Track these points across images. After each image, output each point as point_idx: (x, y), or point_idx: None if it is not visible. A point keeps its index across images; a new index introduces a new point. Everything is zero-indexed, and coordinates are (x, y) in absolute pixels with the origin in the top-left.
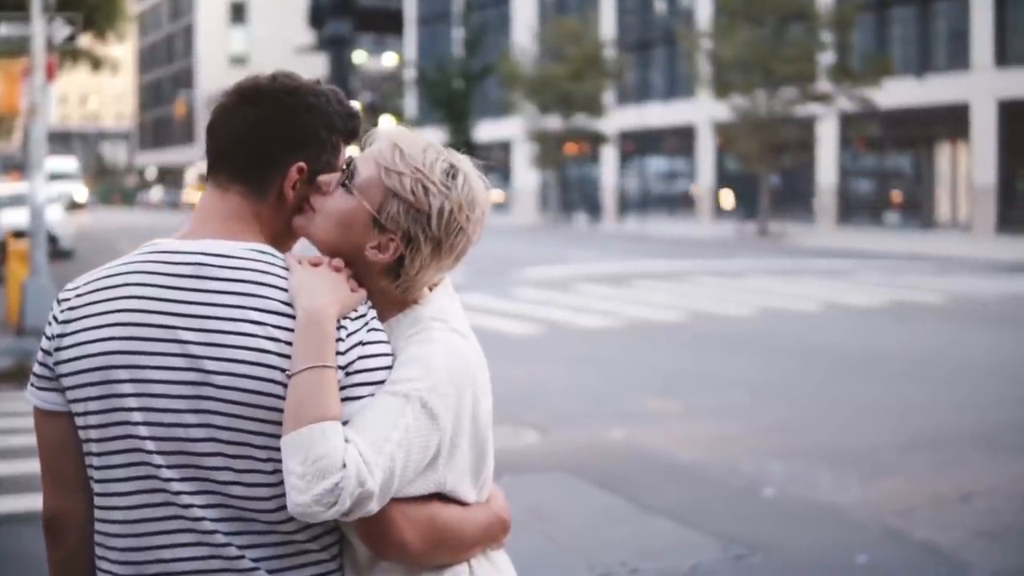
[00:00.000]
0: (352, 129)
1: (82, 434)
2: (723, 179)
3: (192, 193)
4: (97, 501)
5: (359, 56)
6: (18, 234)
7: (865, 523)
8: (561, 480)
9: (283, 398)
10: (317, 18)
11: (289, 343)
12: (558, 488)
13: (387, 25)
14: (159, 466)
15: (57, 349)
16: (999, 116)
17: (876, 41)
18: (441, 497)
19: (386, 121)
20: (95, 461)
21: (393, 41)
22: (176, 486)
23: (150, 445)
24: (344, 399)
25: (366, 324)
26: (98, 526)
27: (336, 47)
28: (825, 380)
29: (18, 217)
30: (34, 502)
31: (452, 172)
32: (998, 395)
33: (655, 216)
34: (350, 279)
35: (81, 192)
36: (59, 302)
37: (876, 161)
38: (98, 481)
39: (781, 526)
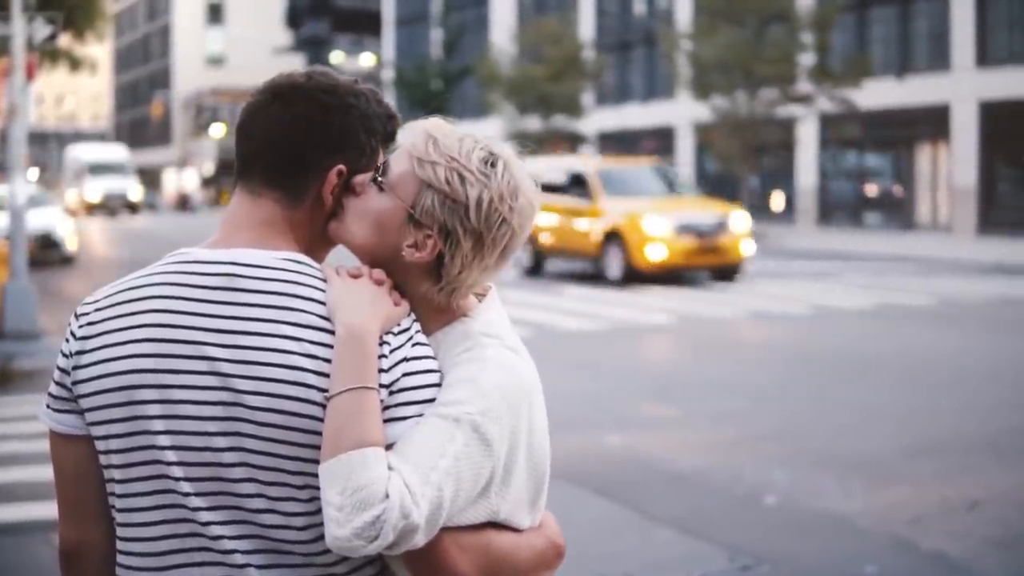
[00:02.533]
0: (391, 132)
1: (103, 459)
2: (702, 180)
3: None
4: (119, 532)
5: (336, 57)
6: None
7: (872, 532)
8: (561, 488)
9: (321, 420)
10: (294, 19)
11: (327, 361)
12: (558, 497)
13: (365, 25)
14: (187, 494)
15: (76, 368)
16: (980, 117)
17: (856, 42)
18: (494, 524)
19: None
20: (117, 488)
21: (371, 42)
22: (204, 515)
23: (177, 471)
24: (387, 420)
25: (410, 339)
26: (119, 558)
27: (313, 48)
28: (821, 384)
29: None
30: (22, 512)
31: (491, 160)
32: (999, 400)
33: None
34: (392, 291)
35: (135, 189)
36: (77, 316)
37: (856, 162)
38: (120, 510)
39: (786, 535)
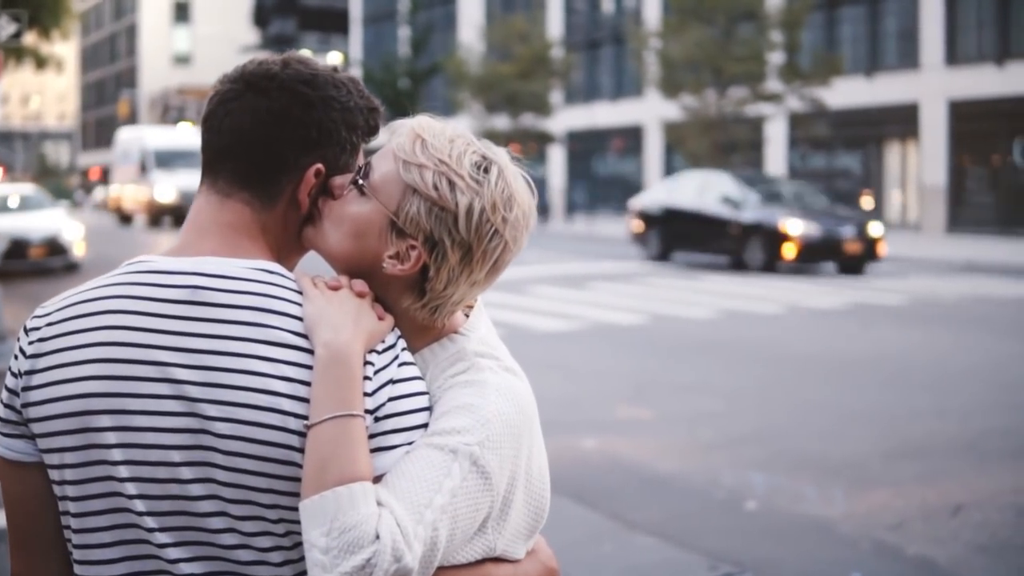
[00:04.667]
0: (373, 126)
1: (57, 490)
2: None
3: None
4: (76, 568)
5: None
6: (20, 242)
7: (855, 538)
8: None
9: (297, 450)
10: (261, 17)
11: (305, 384)
12: None
13: (332, 24)
14: (151, 529)
15: (25, 389)
16: (949, 115)
17: (825, 40)
18: (491, 559)
19: None
20: (73, 522)
21: (338, 40)
22: (172, 552)
23: (140, 505)
24: (374, 450)
25: (396, 358)
26: None
27: (280, 46)
28: (798, 386)
29: (19, 222)
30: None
31: (484, 165)
32: (978, 401)
33: (603, 216)
34: (375, 304)
35: None
36: (27, 332)
37: (826, 161)
38: (77, 546)
39: (768, 542)
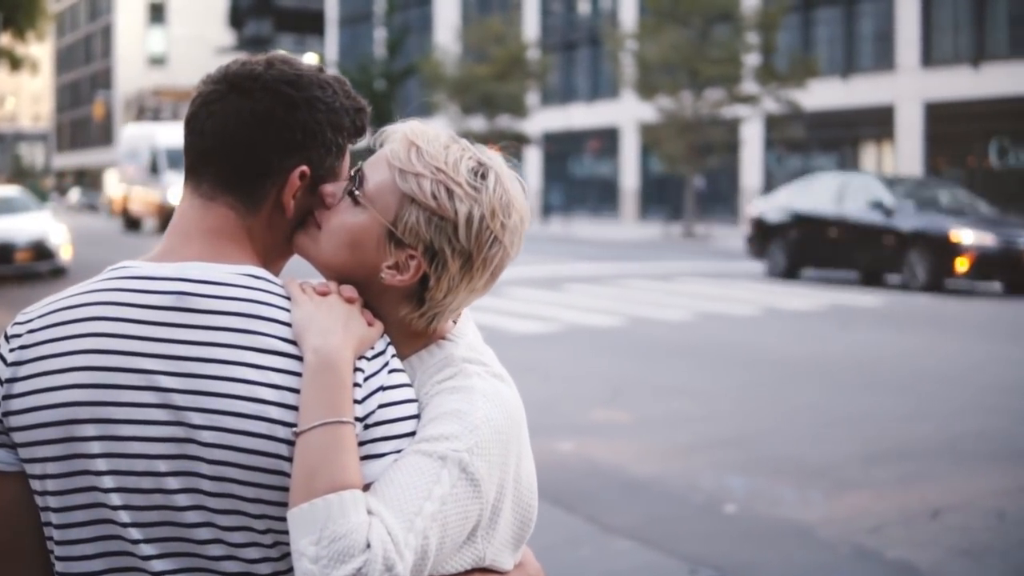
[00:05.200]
0: (359, 127)
1: (39, 500)
2: (647, 180)
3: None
4: None
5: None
6: (5, 246)
7: (834, 542)
8: None
9: (286, 459)
10: (237, 18)
11: (294, 391)
12: None
13: (307, 25)
14: (135, 541)
15: (7, 397)
16: (924, 117)
17: (801, 42)
18: (479, 568)
19: None
20: (55, 533)
21: (314, 41)
22: (156, 564)
23: (124, 516)
24: (363, 458)
25: (386, 364)
26: None
27: (256, 47)
28: (775, 388)
29: (3, 225)
30: None
31: (481, 171)
32: (955, 403)
33: (578, 217)
34: (364, 310)
35: None
36: (8, 339)
37: (801, 162)
38: (60, 558)
39: (747, 546)
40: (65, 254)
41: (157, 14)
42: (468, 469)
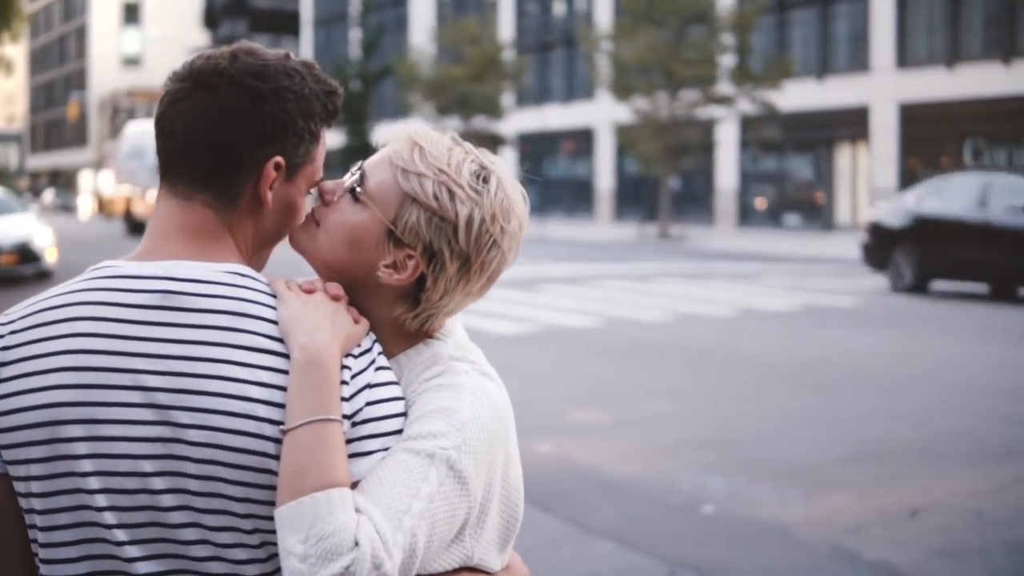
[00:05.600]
0: (332, 109)
1: (23, 502)
2: (622, 181)
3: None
4: None
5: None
6: None
7: (813, 542)
8: None
9: (273, 457)
10: (211, 19)
11: (281, 389)
12: None
13: (282, 26)
14: (120, 543)
15: None
16: (899, 118)
17: (777, 43)
18: (468, 568)
19: None
20: (40, 536)
21: (289, 42)
22: (142, 567)
23: (110, 517)
24: (351, 455)
25: (373, 362)
26: None
27: None
28: (752, 389)
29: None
30: None
31: (483, 175)
32: (932, 403)
33: (554, 218)
34: (350, 308)
35: None
36: None
37: (776, 163)
38: (44, 560)
39: (726, 546)
40: (50, 257)
41: (131, 15)
42: (456, 467)
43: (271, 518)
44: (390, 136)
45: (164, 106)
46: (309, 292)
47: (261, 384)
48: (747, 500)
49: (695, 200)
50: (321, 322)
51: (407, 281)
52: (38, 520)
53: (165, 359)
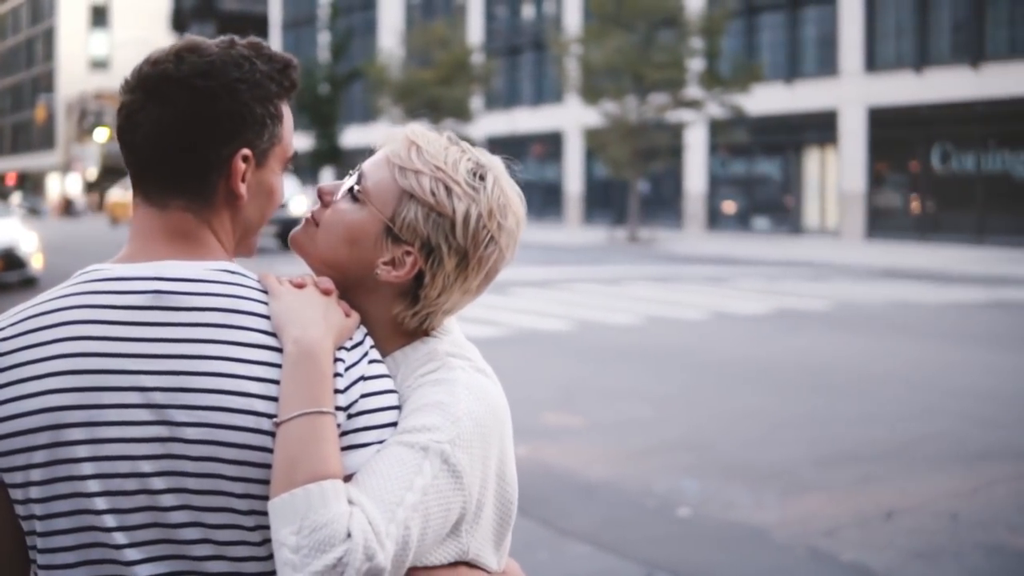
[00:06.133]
0: (291, 83)
1: (22, 509)
2: (591, 185)
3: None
4: None
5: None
6: None
7: (789, 544)
8: None
9: (272, 451)
10: (179, 22)
11: (277, 383)
12: None
13: (251, 29)
14: (119, 546)
15: None
16: (868, 122)
17: (745, 47)
18: (465, 563)
19: None
20: (39, 542)
21: None
22: (141, 570)
23: (110, 520)
24: (345, 448)
25: (365, 355)
26: None
27: None
28: (726, 392)
29: None
30: None
31: (480, 172)
32: (903, 406)
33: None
34: (340, 301)
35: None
36: None
37: (745, 167)
38: (43, 567)
39: (702, 549)
40: (36, 263)
41: (99, 17)
42: (450, 460)
43: None
44: (387, 137)
45: (122, 119)
46: (300, 287)
47: (257, 379)
48: (723, 503)
49: (664, 203)
50: (314, 316)
51: (405, 278)
52: (38, 526)
53: (160, 359)
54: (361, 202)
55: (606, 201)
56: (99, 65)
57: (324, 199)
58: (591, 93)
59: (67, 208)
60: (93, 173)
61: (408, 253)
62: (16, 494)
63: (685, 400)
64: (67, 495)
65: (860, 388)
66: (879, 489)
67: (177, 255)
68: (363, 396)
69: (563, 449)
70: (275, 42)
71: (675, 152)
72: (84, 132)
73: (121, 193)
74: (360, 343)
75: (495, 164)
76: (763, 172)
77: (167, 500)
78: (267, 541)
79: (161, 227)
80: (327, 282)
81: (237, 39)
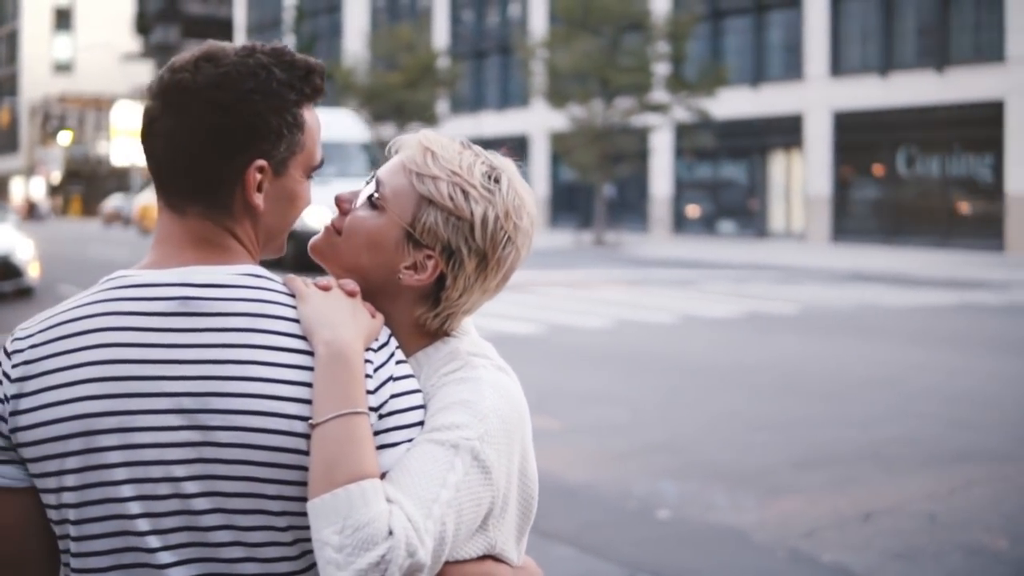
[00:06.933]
0: (314, 89)
1: (55, 514)
2: (557, 188)
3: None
4: None
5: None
6: None
7: (769, 546)
8: None
9: (305, 453)
10: (143, 25)
11: (307, 385)
12: None
13: (216, 32)
14: (152, 549)
15: (14, 414)
16: (833, 126)
17: (711, 51)
18: (491, 557)
19: None
20: (72, 546)
21: None
22: (174, 573)
23: (143, 524)
24: (378, 447)
25: (392, 355)
26: None
27: (163, 54)
28: (701, 395)
29: None
30: None
31: (494, 175)
32: (876, 408)
33: None
34: (365, 303)
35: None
36: (9, 355)
37: (711, 171)
38: (76, 571)
39: (683, 551)
40: (33, 272)
41: (63, 20)
42: (479, 457)
43: (305, 513)
44: (402, 143)
45: (143, 125)
46: (325, 289)
47: (288, 382)
48: (702, 505)
49: (630, 207)
50: (343, 318)
51: (427, 281)
52: (72, 530)
53: (189, 364)
54: (380, 209)
55: (572, 205)
56: (63, 68)
57: (342, 207)
58: (557, 97)
59: (31, 211)
60: (57, 177)
61: (429, 257)
62: (49, 499)
63: (660, 403)
64: (100, 500)
65: (833, 390)
66: (856, 491)
67: (202, 260)
68: (393, 396)
69: (541, 452)
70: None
71: (641, 156)
72: (48, 135)
73: (151, 198)
74: (386, 344)
75: (508, 166)
76: (729, 176)
77: (200, 504)
78: (298, 541)
79: (184, 233)
80: (352, 284)
81: (259, 46)
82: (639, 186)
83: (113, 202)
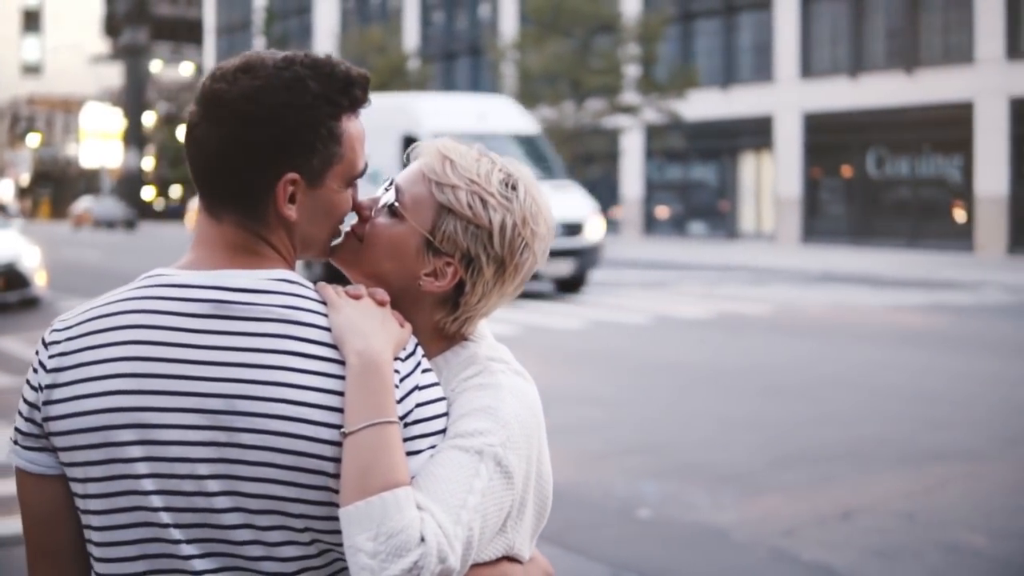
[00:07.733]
0: (354, 100)
1: (80, 503)
2: None
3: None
4: None
5: (156, 66)
6: None
7: (750, 544)
8: None
9: (328, 459)
10: (113, 26)
11: (335, 393)
12: None
13: (185, 34)
14: (176, 541)
15: (47, 403)
16: (803, 127)
17: (682, 53)
18: (507, 557)
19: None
20: (95, 535)
21: (191, 50)
22: (198, 564)
23: (165, 517)
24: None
25: (418, 365)
26: None
27: (132, 56)
28: (676, 395)
29: None
30: None
31: (511, 182)
32: (852, 407)
33: None
34: (394, 311)
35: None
36: (47, 345)
37: (681, 172)
38: (99, 559)
39: (665, 550)
40: (40, 281)
41: (32, 22)
42: (503, 463)
43: (323, 517)
44: (420, 151)
45: (186, 131)
46: (356, 298)
47: (315, 389)
48: (682, 504)
49: (600, 208)
50: (373, 327)
51: (447, 287)
52: (94, 520)
53: (219, 366)
54: (400, 217)
55: None
56: (32, 70)
57: (363, 214)
58: (528, 98)
59: None
60: (26, 179)
61: (449, 264)
62: (76, 488)
63: (636, 403)
64: (124, 492)
65: (807, 390)
66: (835, 489)
67: (239, 263)
68: (418, 405)
69: None
70: (209, 47)
71: (612, 157)
72: (16, 137)
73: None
74: (412, 353)
75: (524, 173)
76: (699, 177)
77: (222, 502)
78: (317, 541)
79: (219, 237)
80: (382, 293)
81: (299, 57)
82: (610, 187)
83: (83, 204)
